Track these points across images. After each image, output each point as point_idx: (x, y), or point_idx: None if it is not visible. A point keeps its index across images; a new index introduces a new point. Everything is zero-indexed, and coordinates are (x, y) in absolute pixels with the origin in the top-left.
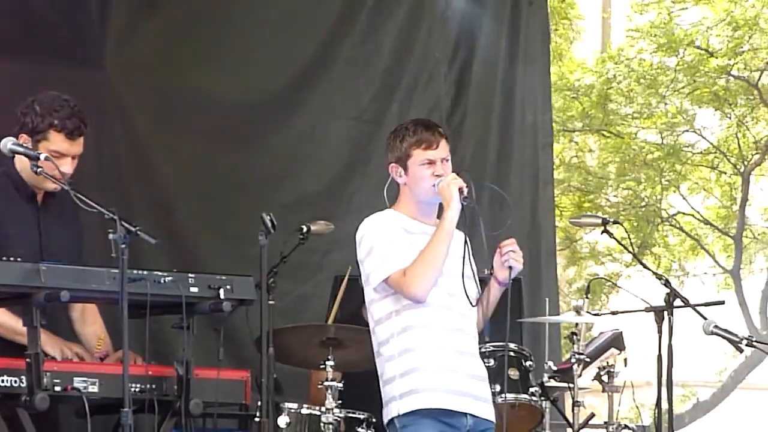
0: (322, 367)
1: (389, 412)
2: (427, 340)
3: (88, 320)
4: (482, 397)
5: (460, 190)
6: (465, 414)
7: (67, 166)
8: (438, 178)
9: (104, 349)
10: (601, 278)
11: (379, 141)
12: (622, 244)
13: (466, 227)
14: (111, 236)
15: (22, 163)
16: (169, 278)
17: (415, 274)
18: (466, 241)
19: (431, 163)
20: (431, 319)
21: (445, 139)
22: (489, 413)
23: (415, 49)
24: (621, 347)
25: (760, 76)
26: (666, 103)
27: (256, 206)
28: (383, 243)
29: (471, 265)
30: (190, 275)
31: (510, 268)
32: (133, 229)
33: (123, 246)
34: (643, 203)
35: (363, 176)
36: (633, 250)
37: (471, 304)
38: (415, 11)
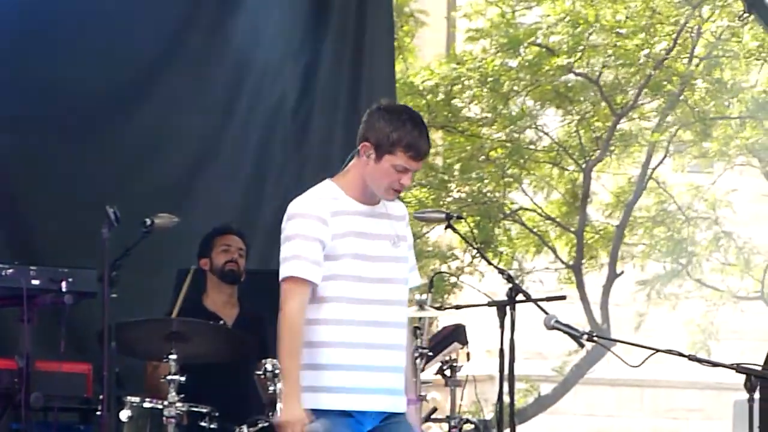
0: (165, 360)
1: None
2: (332, 336)
3: None
4: (392, 389)
5: None
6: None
7: None
8: (396, 190)
9: None
10: (444, 273)
11: (228, 134)
12: (465, 239)
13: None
14: None
15: None
16: (10, 270)
17: (290, 323)
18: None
19: (404, 171)
20: (338, 314)
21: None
22: (397, 406)
23: (262, 42)
24: (464, 342)
25: (600, 73)
26: (509, 104)
27: (103, 199)
28: (303, 240)
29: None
30: (31, 267)
31: None
32: None
33: None
34: (485, 200)
35: (211, 170)
36: (476, 245)
37: None
38: (262, 8)
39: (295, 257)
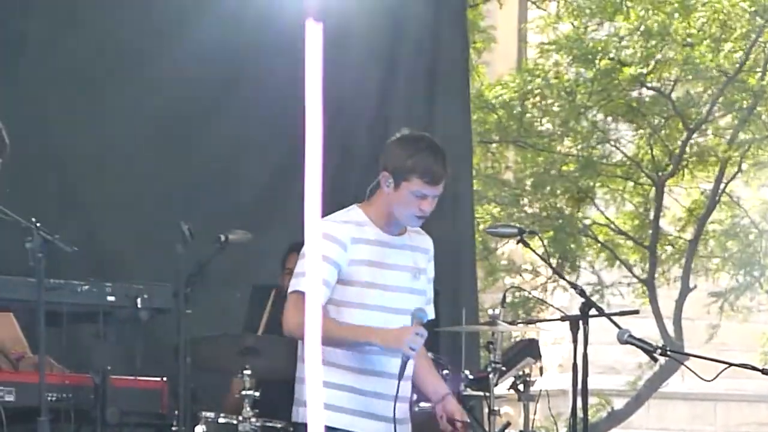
0: (239, 376)
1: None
2: (337, 357)
3: (1, 321)
4: (382, 416)
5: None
6: None
7: None
8: (420, 217)
9: (21, 351)
10: (517, 288)
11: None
12: (537, 254)
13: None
14: (27, 245)
15: None
16: (86, 287)
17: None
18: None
19: (423, 197)
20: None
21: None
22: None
23: (341, 58)
24: (537, 356)
25: (672, 87)
26: (582, 118)
27: (178, 216)
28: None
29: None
30: (107, 284)
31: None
32: (50, 237)
33: (40, 255)
34: (559, 215)
35: (290, 186)
36: (549, 261)
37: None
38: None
39: (305, 274)
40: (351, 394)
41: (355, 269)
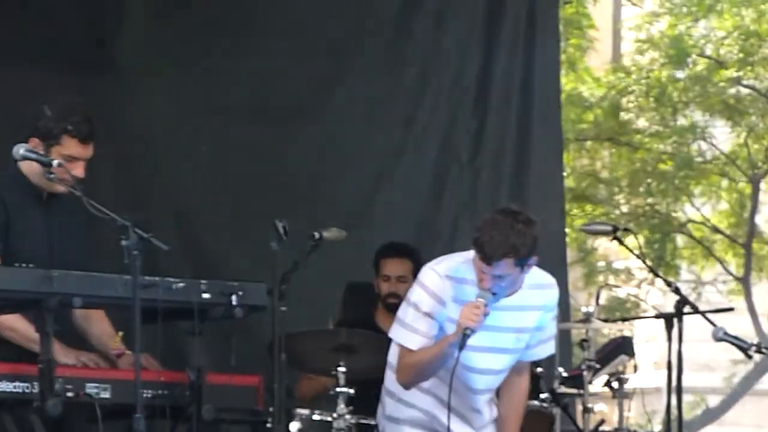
0: (333, 373)
1: None
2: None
3: (94, 317)
4: None
5: (467, 328)
6: None
7: (79, 170)
8: (483, 289)
9: (121, 347)
10: (612, 285)
11: (406, 150)
12: (632, 251)
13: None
14: (123, 243)
15: (28, 166)
16: (181, 285)
17: (405, 369)
18: (457, 360)
19: (482, 272)
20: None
21: (510, 259)
22: None
23: (438, 57)
24: (631, 354)
25: None
26: (677, 116)
27: (274, 214)
28: (416, 312)
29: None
30: (202, 282)
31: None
32: (145, 235)
33: (135, 253)
34: (654, 213)
35: (389, 184)
36: (644, 259)
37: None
38: (441, 21)
39: (405, 329)
40: (431, 419)
41: (450, 327)
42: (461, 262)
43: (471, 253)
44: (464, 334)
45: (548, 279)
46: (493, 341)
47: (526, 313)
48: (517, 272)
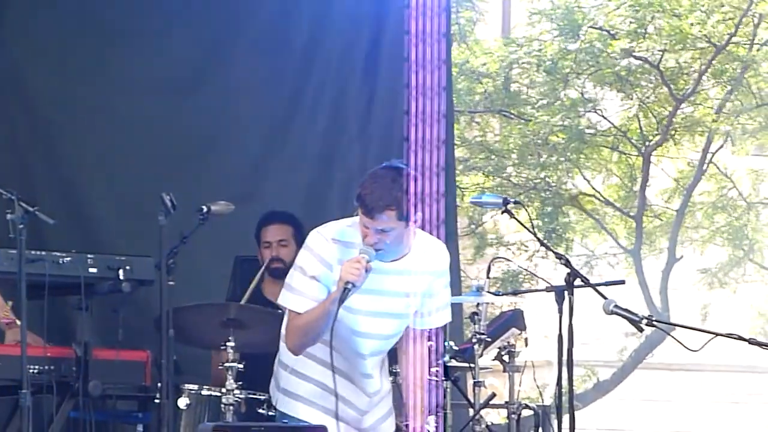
0: (222, 348)
1: None
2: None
3: None
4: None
5: (348, 282)
6: None
7: None
8: (374, 248)
9: (11, 317)
10: (503, 258)
11: (294, 123)
12: (522, 224)
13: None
14: (9, 216)
15: None
16: (68, 259)
17: (292, 332)
18: (335, 316)
19: (366, 227)
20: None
21: (392, 211)
22: None
23: (328, 27)
24: (522, 327)
25: (661, 57)
26: (568, 88)
27: (163, 188)
28: (303, 275)
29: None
30: (89, 256)
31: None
32: (31, 209)
33: (21, 226)
34: (546, 186)
35: (278, 157)
36: (535, 232)
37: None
38: None
39: (296, 289)
40: (323, 391)
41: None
42: (348, 225)
43: (358, 218)
44: (345, 288)
45: (437, 244)
46: (381, 306)
47: (414, 278)
48: (401, 227)
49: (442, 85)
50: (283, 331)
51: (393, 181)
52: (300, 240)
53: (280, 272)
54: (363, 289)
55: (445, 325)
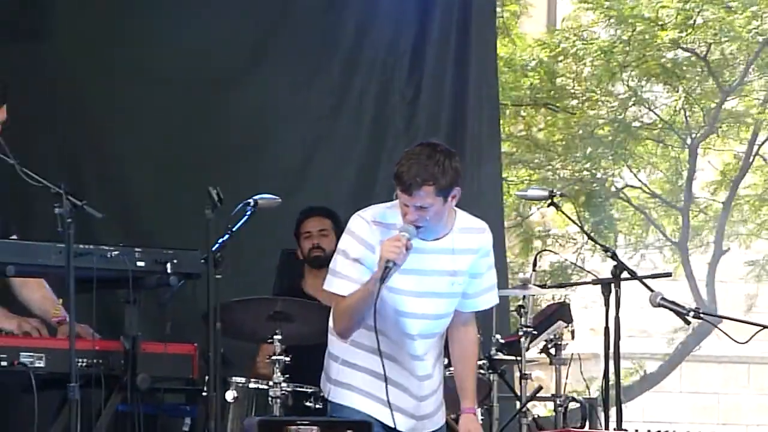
0: (270, 341)
1: None
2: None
3: (33, 285)
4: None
5: (389, 260)
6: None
7: None
8: (414, 225)
9: (62, 315)
10: (548, 250)
11: (341, 117)
12: (569, 217)
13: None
14: (57, 210)
15: None
16: (116, 252)
17: (339, 316)
18: (378, 293)
19: (405, 205)
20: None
21: (429, 187)
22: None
23: (375, 23)
24: (568, 320)
25: (708, 49)
26: (615, 80)
27: (210, 181)
28: (345, 259)
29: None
30: (136, 249)
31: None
32: (79, 203)
33: (69, 220)
34: (592, 179)
35: (324, 152)
36: (581, 225)
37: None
38: None
39: (335, 276)
40: (374, 379)
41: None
42: (388, 207)
43: (394, 204)
44: (386, 267)
45: (480, 223)
46: (425, 285)
47: (458, 257)
48: (439, 203)
49: (488, 78)
50: (330, 323)
51: (428, 158)
52: (339, 233)
53: (320, 261)
54: (406, 269)
55: (492, 318)
